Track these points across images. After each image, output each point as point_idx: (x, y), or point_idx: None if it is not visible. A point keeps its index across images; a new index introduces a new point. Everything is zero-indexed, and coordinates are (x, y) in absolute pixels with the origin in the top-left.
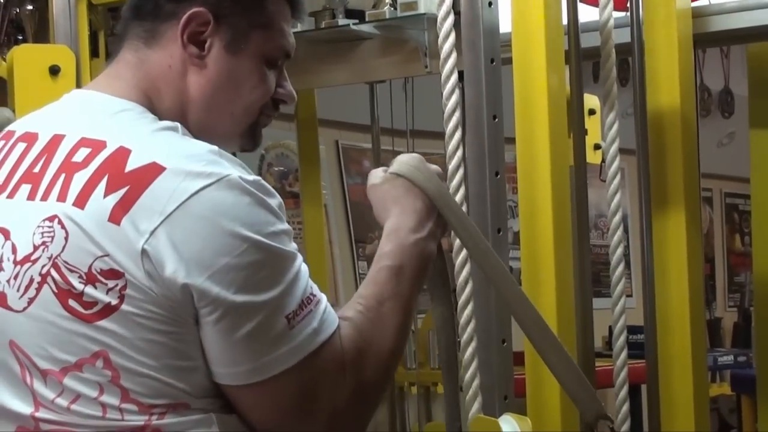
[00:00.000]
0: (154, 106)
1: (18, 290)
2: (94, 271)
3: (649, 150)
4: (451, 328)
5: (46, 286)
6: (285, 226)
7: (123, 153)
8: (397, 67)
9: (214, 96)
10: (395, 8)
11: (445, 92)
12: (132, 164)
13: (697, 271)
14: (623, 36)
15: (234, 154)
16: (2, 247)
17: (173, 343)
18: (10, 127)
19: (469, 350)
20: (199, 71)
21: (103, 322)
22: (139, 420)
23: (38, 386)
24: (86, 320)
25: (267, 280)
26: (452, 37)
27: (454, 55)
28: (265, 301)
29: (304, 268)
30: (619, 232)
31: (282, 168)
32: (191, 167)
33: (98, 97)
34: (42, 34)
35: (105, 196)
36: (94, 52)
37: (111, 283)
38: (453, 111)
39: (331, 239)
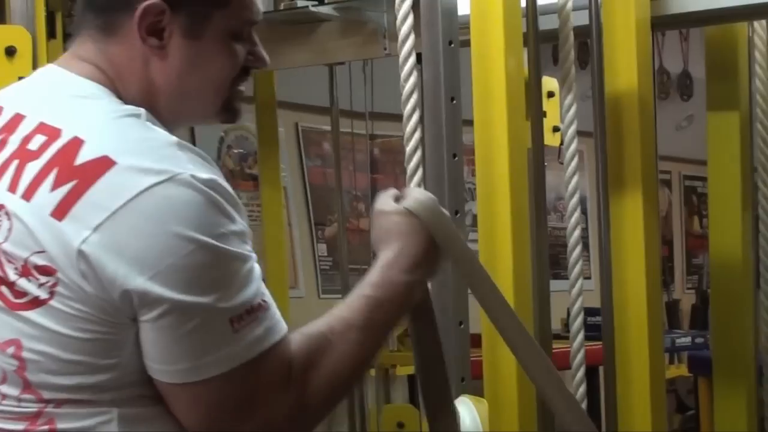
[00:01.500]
0: (119, 92)
1: None
2: (29, 265)
3: (606, 132)
4: (442, 368)
5: None
6: (238, 227)
7: (76, 144)
8: (356, 49)
9: (182, 83)
10: None
11: (403, 74)
12: (83, 157)
13: (654, 254)
14: (582, 18)
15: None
16: None
17: (97, 342)
18: None
19: None
20: (161, 61)
21: (27, 313)
22: (33, 407)
23: None
24: (11, 308)
25: (213, 282)
26: (410, 18)
27: (412, 36)
28: (209, 303)
29: (257, 271)
30: (577, 214)
31: (241, 150)
32: (142, 163)
33: (67, 78)
34: None
35: (52, 189)
36: (50, 33)
37: (43, 279)
38: (411, 93)
39: (291, 222)
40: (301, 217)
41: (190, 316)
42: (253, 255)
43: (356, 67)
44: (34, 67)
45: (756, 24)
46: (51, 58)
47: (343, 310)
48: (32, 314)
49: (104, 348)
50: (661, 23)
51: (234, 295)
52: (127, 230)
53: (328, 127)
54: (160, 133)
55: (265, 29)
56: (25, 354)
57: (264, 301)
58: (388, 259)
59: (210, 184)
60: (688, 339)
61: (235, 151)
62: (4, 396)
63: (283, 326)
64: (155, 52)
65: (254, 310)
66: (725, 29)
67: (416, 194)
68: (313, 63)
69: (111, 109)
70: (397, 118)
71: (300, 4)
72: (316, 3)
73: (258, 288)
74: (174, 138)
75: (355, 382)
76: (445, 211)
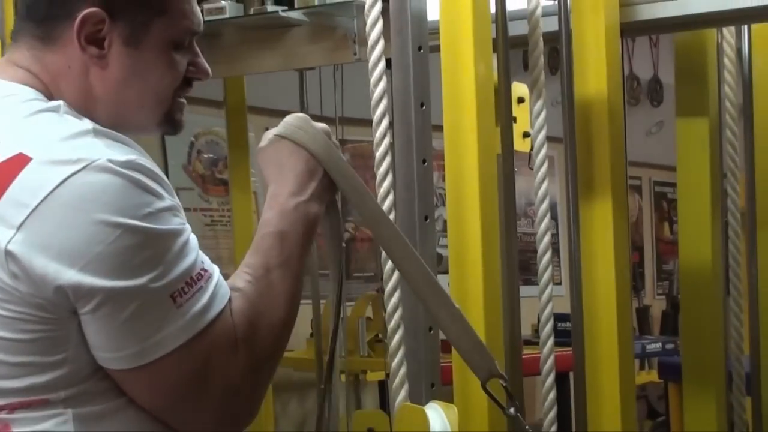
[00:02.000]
0: (52, 96)
1: None
2: None
3: (576, 138)
4: (336, 301)
5: None
6: (165, 203)
7: None
8: (326, 54)
9: (121, 92)
10: None
11: (373, 79)
12: None
13: (624, 259)
14: (551, 24)
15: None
16: None
17: (40, 341)
18: None
19: (396, 338)
20: (101, 70)
21: None
22: None
23: None
24: None
25: (146, 263)
26: (380, 24)
27: (381, 42)
28: (144, 284)
29: (193, 242)
30: (546, 220)
31: (212, 155)
32: (58, 155)
33: None
34: None
35: None
36: None
37: None
38: (380, 98)
39: None
40: None
41: (127, 301)
42: (186, 227)
43: (326, 72)
44: None
45: (725, 30)
46: None
47: (254, 256)
48: None
49: (49, 345)
50: (631, 29)
51: (170, 271)
52: (51, 225)
53: None
54: (75, 122)
55: (236, 34)
56: None
57: (204, 269)
58: (273, 190)
59: (129, 165)
60: (659, 345)
61: (206, 155)
62: None
63: (226, 291)
64: (95, 62)
65: (195, 281)
66: (695, 35)
67: (286, 119)
68: (283, 68)
69: (28, 106)
70: (367, 123)
71: (270, 9)
72: (286, 8)
73: (195, 258)
74: (90, 125)
75: (293, 318)
76: (318, 124)
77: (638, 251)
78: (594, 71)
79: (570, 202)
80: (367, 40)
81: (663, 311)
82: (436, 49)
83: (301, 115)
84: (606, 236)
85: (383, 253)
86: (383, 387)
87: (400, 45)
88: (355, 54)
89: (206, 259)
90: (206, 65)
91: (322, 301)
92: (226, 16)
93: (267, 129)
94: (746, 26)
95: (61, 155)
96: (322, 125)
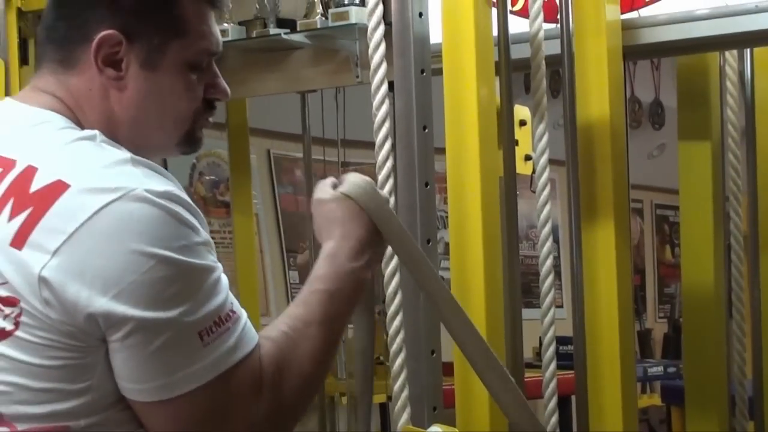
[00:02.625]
0: (79, 120)
1: None
2: None
3: (578, 161)
4: (370, 356)
5: None
6: (200, 237)
7: (30, 172)
8: (328, 77)
9: (140, 114)
10: (326, 18)
11: (375, 102)
12: (37, 184)
13: (626, 282)
14: (554, 47)
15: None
16: None
17: (66, 368)
18: None
19: (398, 361)
20: (119, 93)
21: None
22: None
23: None
24: None
25: (177, 296)
26: (383, 47)
27: (384, 65)
28: (175, 317)
29: (224, 281)
30: (549, 243)
31: (213, 177)
32: (96, 183)
33: (21, 109)
34: None
35: (10, 219)
36: (23, 60)
37: (7, 310)
38: (383, 121)
39: (262, 249)
40: (272, 244)
41: (157, 333)
42: (219, 265)
43: (328, 95)
44: (7, 93)
45: (727, 54)
46: (23, 85)
47: (298, 308)
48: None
49: (74, 373)
50: (633, 53)
51: (200, 307)
52: (86, 251)
53: (300, 154)
54: (113, 152)
55: (238, 56)
56: None
57: (233, 311)
58: (331, 249)
59: (167, 196)
60: (660, 368)
61: (207, 177)
62: None
63: (254, 335)
64: (113, 84)
65: (223, 321)
66: (697, 59)
67: (351, 178)
68: (285, 90)
69: (64, 134)
70: (370, 145)
71: (272, 31)
72: (289, 31)
73: (226, 298)
74: (128, 154)
75: (323, 376)
76: (382, 193)
77: (640, 274)
78: (596, 94)
79: (572, 224)
80: (370, 63)
81: (665, 334)
82: (439, 72)
83: (366, 178)
84: (608, 259)
85: (385, 276)
86: (385, 409)
87: (402, 68)
88: (357, 77)
89: (235, 302)
90: (225, 86)
91: None
92: (229, 38)
93: (268, 151)
94: (749, 50)
95: (99, 183)
96: (384, 195)
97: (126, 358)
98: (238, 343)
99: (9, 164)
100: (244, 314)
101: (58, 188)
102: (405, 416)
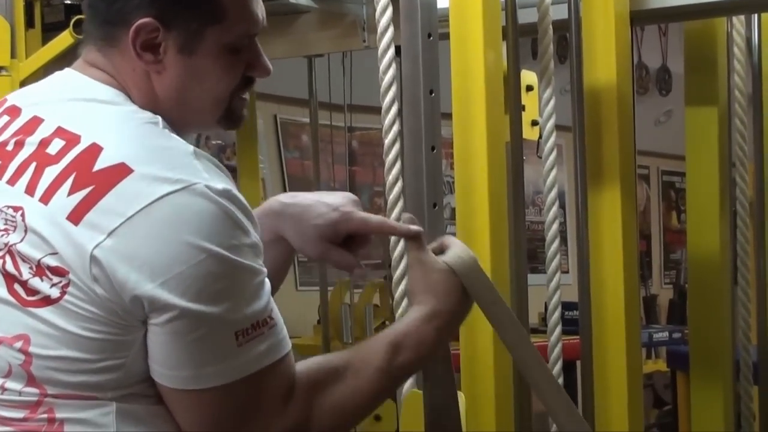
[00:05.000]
0: (132, 98)
1: None
2: (42, 266)
3: (585, 127)
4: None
5: None
6: (251, 239)
7: (94, 150)
8: (335, 41)
9: (180, 96)
10: None
11: (382, 66)
12: (101, 163)
13: (632, 248)
14: (561, 12)
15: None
16: None
17: (104, 342)
18: (6, 97)
19: None
20: (159, 76)
21: (38, 310)
22: (33, 398)
23: None
24: (23, 304)
25: (222, 293)
26: (389, 11)
27: (391, 29)
28: (217, 313)
29: (267, 286)
30: (555, 209)
31: (220, 141)
32: (159, 172)
33: (85, 81)
34: None
35: (69, 194)
36: (29, 23)
37: (56, 279)
38: (389, 85)
39: None
40: None
41: (197, 325)
42: (264, 269)
43: (335, 59)
44: (13, 56)
45: (735, 19)
46: (29, 48)
47: (366, 350)
48: (43, 311)
49: (111, 348)
50: (640, 18)
51: (242, 307)
52: (141, 237)
53: (306, 119)
54: (178, 142)
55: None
56: (32, 349)
57: (271, 317)
58: (424, 314)
59: (225, 195)
60: (666, 334)
61: (214, 142)
62: (6, 389)
63: (287, 344)
64: (152, 67)
65: (260, 326)
66: (704, 24)
67: (458, 251)
68: (292, 55)
69: (129, 116)
70: (376, 110)
71: None
72: None
73: (267, 304)
74: (191, 147)
75: (360, 419)
76: (483, 270)
77: (646, 240)
78: (603, 60)
79: (578, 190)
80: (377, 27)
81: (670, 300)
82: (446, 36)
83: (471, 253)
84: (614, 225)
85: (391, 241)
86: None
87: (409, 32)
88: (364, 41)
89: (275, 308)
90: (267, 63)
91: (329, 288)
92: None
93: (275, 116)
94: (756, 15)
95: (161, 172)
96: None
97: (163, 343)
98: (270, 349)
99: (73, 139)
100: (281, 321)
101: (121, 171)
102: (410, 380)
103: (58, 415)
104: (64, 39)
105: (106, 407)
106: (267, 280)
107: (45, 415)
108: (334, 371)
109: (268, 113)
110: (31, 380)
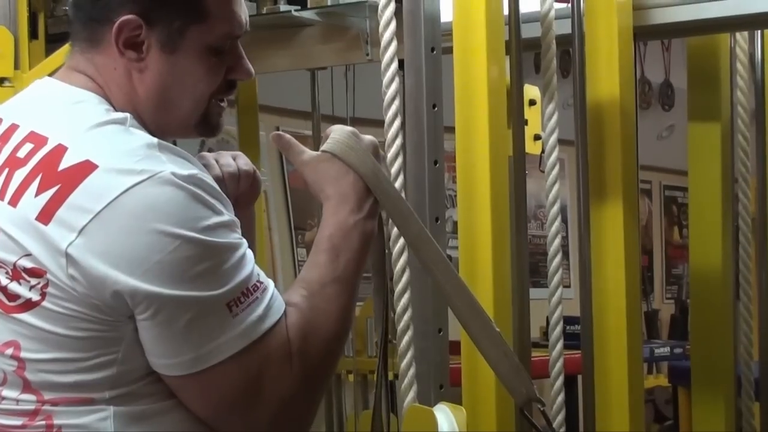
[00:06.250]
0: (109, 99)
1: None
2: (18, 269)
3: (588, 141)
4: (383, 310)
5: None
6: (223, 218)
7: (59, 151)
8: (338, 54)
9: (160, 95)
10: None
11: (385, 80)
12: (66, 162)
13: (634, 263)
14: (564, 27)
15: (174, 143)
16: None
17: (93, 339)
18: None
19: (405, 339)
20: (140, 74)
21: (21, 315)
22: (31, 406)
23: None
24: (6, 311)
25: (203, 275)
26: (393, 25)
27: (394, 43)
28: (200, 294)
29: (249, 255)
30: (557, 223)
31: None
32: (123, 164)
33: (59, 87)
34: None
35: (36, 194)
36: (33, 34)
37: (33, 281)
38: (393, 99)
39: (271, 226)
40: (281, 222)
41: (184, 310)
42: (243, 241)
43: (338, 73)
44: (16, 67)
45: (738, 35)
46: (33, 59)
47: (311, 271)
48: (26, 316)
49: (100, 345)
50: (644, 33)
51: (226, 282)
52: (112, 231)
53: (309, 132)
54: (141, 136)
55: (248, 33)
56: (24, 354)
57: (259, 281)
58: (331, 207)
59: (191, 180)
60: (667, 349)
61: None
62: (3, 398)
63: (282, 304)
64: (134, 65)
65: (251, 292)
66: (707, 40)
67: (334, 134)
68: (295, 67)
69: (96, 115)
70: (379, 123)
71: (283, 8)
72: (299, 8)
73: (252, 270)
74: (155, 139)
75: (347, 333)
76: (365, 138)
77: (648, 255)
78: (606, 74)
79: (581, 205)
80: (380, 40)
81: (672, 315)
82: (449, 50)
83: (348, 129)
84: (616, 240)
85: (394, 253)
86: (392, 388)
87: (412, 46)
88: (367, 54)
89: (261, 273)
90: (248, 67)
91: None
92: None
93: (278, 128)
94: (759, 31)
95: (126, 165)
96: (369, 139)
97: (156, 336)
98: (267, 312)
99: (41, 141)
100: (271, 284)
101: (86, 168)
102: (411, 394)
103: (56, 421)
104: (68, 50)
105: (104, 412)
106: (249, 251)
107: (43, 422)
108: (309, 306)
109: (271, 125)
110: (27, 387)
